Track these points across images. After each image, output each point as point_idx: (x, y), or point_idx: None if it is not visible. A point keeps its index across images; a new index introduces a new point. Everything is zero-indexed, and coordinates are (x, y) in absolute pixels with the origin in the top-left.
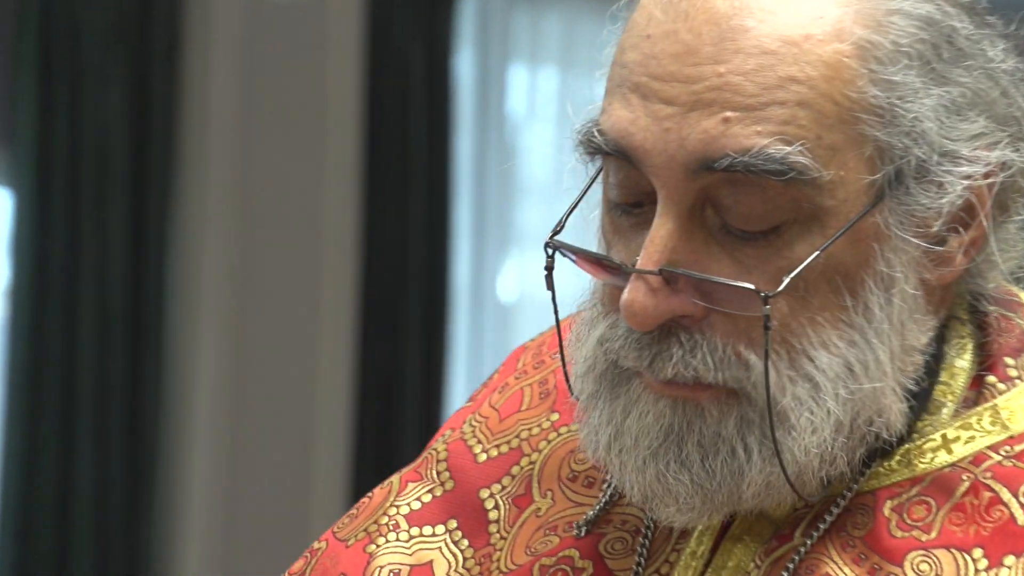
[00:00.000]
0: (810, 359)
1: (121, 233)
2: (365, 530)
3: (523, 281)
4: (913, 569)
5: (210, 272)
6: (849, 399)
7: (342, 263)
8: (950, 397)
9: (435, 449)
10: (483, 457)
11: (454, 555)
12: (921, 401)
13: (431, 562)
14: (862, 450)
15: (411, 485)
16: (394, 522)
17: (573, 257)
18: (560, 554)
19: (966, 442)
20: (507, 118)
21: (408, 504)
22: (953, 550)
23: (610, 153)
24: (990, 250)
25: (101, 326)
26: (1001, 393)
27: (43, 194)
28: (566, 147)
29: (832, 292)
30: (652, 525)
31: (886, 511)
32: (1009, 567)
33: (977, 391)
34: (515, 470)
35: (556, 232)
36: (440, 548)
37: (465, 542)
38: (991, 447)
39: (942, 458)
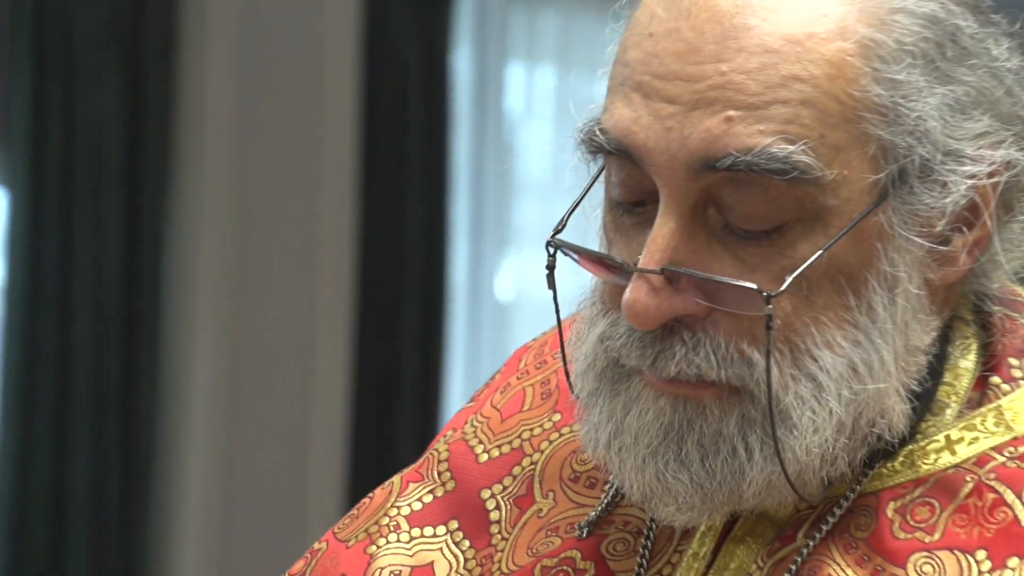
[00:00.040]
0: (814, 359)
1: (116, 232)
2: (366, 531)
3: (521, 280)
4: (916, 571)
5: (206, 271)
6: (852, 399)
7: (339, 262)
8: (954, 398)
9: (436, 449)
10: (484, 457)
11: (455, 556)
12: (924, 402)
13: (432, 563)
14: (864, 451)
15: (412, 486)
16: (395, 523)
17: (575, 256)
18: (562, 555)
19: (970, 443)
20: (505, 116)
21: (409, 505)
22: (956, 552)
23: (612, 152)
24: (994, 250)
25: (96, 325)
26: (1005, 394)
27: (37, 193)
28: (564, 145)
29: (836, 292)
30: (654, 526)
31: (889, 512)
32: (1013, 569)
33: (981, 392)
34: (516, 470)
35: (558, 231)
36: (441, 549)
37: (466, 543)
38: (995, 448)
39: (945, 459)
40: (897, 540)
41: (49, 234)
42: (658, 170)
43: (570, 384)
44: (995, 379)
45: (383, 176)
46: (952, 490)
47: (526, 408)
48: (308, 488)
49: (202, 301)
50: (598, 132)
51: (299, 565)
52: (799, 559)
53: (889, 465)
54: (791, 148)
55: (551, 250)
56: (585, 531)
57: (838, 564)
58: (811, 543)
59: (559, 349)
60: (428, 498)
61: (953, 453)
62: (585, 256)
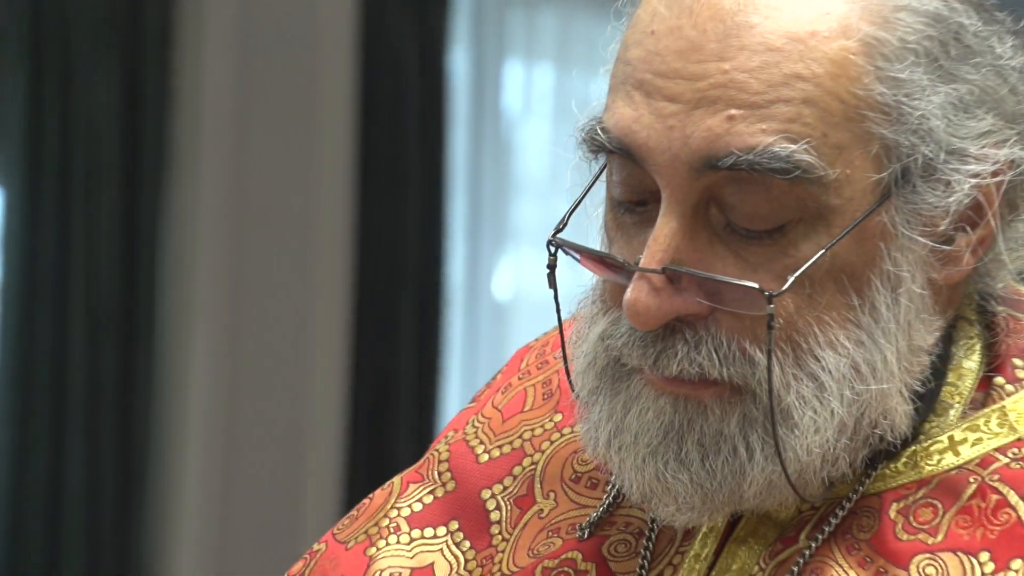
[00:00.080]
0: (816, 358)
1: (112, 231)
2: (365, 532)
3: (519, 279)
4: (919, 572)
5: (202, 269)
6: (854, 400)
7: (336, 261)
8: (957, 398)
9: (437, 450)
10: (485, 458)
11: (455, 557)
12: (928, 402)
13: (432, 564)
14: (866, 452)
15: (412, 486)
16: (395, 524)
17: (576, 255)
18: (563, 556)
19: (973, 444)
20: (502, 115)
21: (409, 506)
22: (960, 553)
23: (613, 151)
24: (998, 249)
25: (92, 324)
26: (1009, 395)
27: (34, 192)
28: (562, 143)
29: (839, 291)
30: (655, 527)
31: (892, 513)
32: (1016, 571)
33: (985, 392)
34: (517, 470)
35: (559, 230)
36: (441, 550)
37: (467, 543)
38: (998, 449)
39: (949, 460)
40: (900, 541)
41: (45, 233)
42: (659, 169)
43: (571, 383)
44: (999, 379)
45: (380, 175)
46: (955, 491)
47: (527, 408)
48: (305, 488)
49: (199, 300)
50: (599, 131)
51: (298, 566)
52: (801, 560)
53: (892, 466)
54: (793, 147)
55: (552, 249)
56: (586, 532)
57: (840, 566)
58: (813, 544)
59: (560, 349)
60: (428, 499)
61: (956, 454)
62: (586, 255)
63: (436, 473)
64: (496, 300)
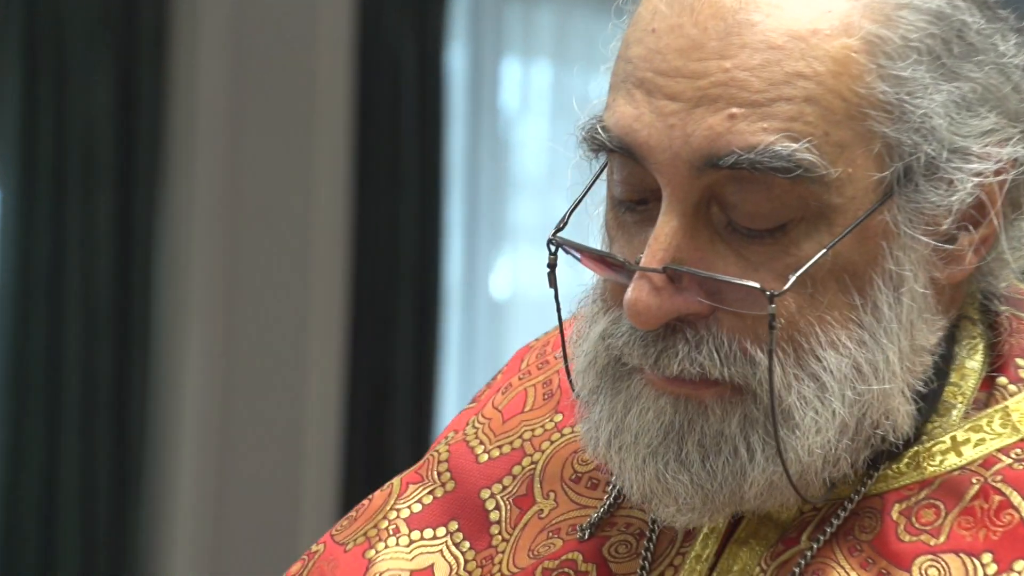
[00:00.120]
0: (817, 359)
1: (107, 230)
2: (364, 534)
3: (517, 278)
4: (921, 574)
5: (198, 269)
6: (856, 400)
7: (333, 260)
8: (960, 398)
9: (437, 451)
10: (484, 458)
11: (455, 558)
12: (930, 402)
13: (432, 566)
14: (868, 452)
15: (412, 487)
16: (394, 526)
17: (576, 254)
18: (563, 557)
19: (976, 445)
20: (500, 113)
21: (409, 507)
22: (962, 555)
23: (614, 150)
24: (1001, 248)
25: (88, 324)
26: (1012, 395)
27: (28, 191)
28: (560, 141)
29: (841, 291)
30: (656, 528)
31: (894, 515)
32: (1019, 572)
33: (988, 392)
34: (516, 470)
35: (559, 229)
36: (441, 551)
37: (466, 544)
38: (1001, 450)
39: (951, 461)
40: (902, 543)
41: (40, 233)
42: (660, 168)
43: (571, 382)
44: (1002, 380)
45: (377, 173)
46: (958, 492)
47: (528, 409)
48: (302, 487)
49: (195, 300)
50: (600, 130)
51: (296, 567)
52: (803, 561)
53: (894, 467)
54: (795, 146)
55: (552, 248)
56: (587, 533)
57: (842, 567)
58: (815, 545)
59: (561, 348)
60: (428, 499)
61: (959, 455)
62: (587, 254)
63: (435, 473)
64: (494, 299)
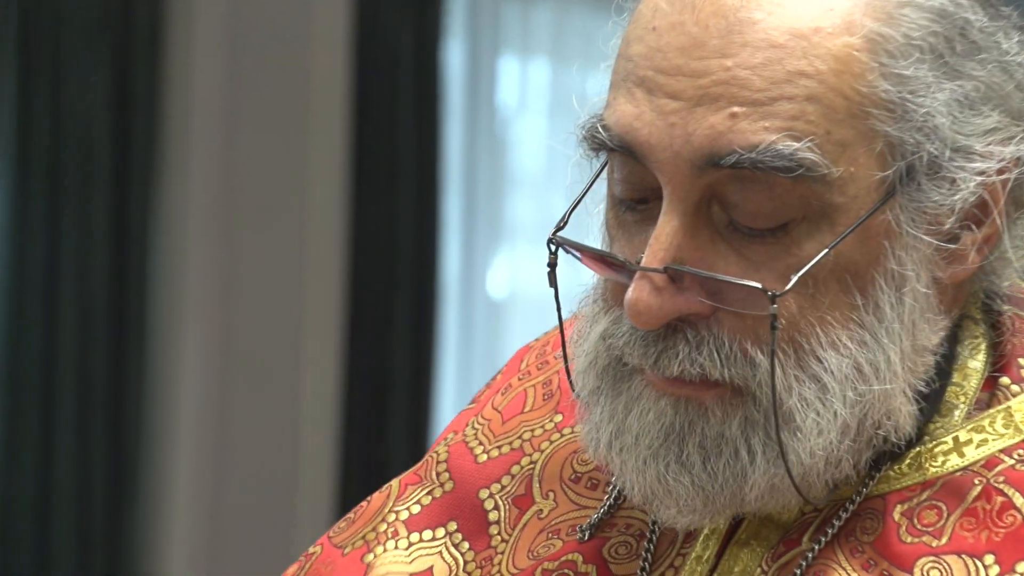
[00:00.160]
0: (819, 360)
1: (103, 229)
2: (363, 537)
3: (514, 277)
4: (923, 575)
5: (194, 268)
6: (858, 401)
7: (329, 258)
8: (962, 399)
9: (436, 452)
10: (484, 458)
11: (455, 559)
12: (932, 403)
13: (431, 567)
14: (869, 453)
15: (410, 488)
16: (393, 529)
17: (576, 254)
18: (563, 558)
19: (978, 445)
20: (497, 110)
21: (407, 508)
22: (964, 556)
23: (615, 149)
24: (1004, 248)
25: (83, 324)
26: (1015, 395)
27: (24, 190)
28: (558, 139)
29: (842, 291)
30: (656, 529)
31: (896, 516)
32: (1021, 574)
33: (990, 392)
34: (515, 469)
35: (559, 228)
36: (440, 552)
37: (466, 544)
38: (1004, 451)
39: (953, 462)
40: (904, 544)
41: (35, 232)
42: (661, 167)
43: (571, 383)
44: (1004, 380)
45: (374, 171)
46: (960, 493)
47: (527, 409)
48: (297, 487)
49: (190, 299)
50: (600, 128)
51: (293, 569)
52: (804, 563)
53: (896, 467)
54: (797, 145)
55: (553, 248)
56: (587, 534)
57: (844, 568)
58: (816, 547)
59: (561, 348)
60: (427, 500)
61: (961, 455)
62: (587, 254)
63: (434, 474)
64: (491, 297)
